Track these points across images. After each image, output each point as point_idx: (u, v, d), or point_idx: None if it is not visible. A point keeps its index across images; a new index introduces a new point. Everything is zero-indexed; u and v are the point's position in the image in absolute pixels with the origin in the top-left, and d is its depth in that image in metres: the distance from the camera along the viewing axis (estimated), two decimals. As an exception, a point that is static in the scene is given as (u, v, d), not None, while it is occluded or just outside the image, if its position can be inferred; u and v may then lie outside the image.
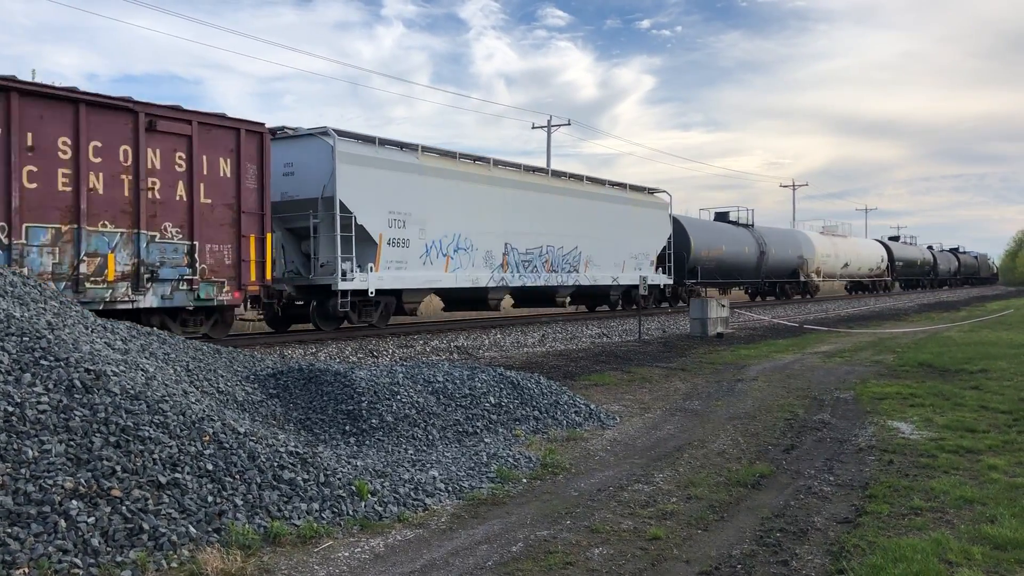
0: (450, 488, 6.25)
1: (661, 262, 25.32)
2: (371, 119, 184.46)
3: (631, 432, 8.65)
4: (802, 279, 37.30)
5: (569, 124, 41.75)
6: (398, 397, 8.12)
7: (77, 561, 4.29)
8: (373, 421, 7.70)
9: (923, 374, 13.19)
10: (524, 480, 6.67)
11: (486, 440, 7.94)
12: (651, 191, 25.43)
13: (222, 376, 8.15)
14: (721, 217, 33.94)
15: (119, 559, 4.43)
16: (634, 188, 24.39)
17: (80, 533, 4.44)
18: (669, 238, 25.45)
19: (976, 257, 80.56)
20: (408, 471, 6.50)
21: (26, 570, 4.13)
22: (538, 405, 9.06)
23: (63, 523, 4.43)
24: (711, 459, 7.41)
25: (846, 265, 42.90)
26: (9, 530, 4.30)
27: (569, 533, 5.34)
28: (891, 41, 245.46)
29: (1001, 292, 68.90)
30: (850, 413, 9.72)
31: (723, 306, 21.71)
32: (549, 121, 41.07)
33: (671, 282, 25.71)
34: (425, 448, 7.53)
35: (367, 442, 7.42)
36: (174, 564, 4.51)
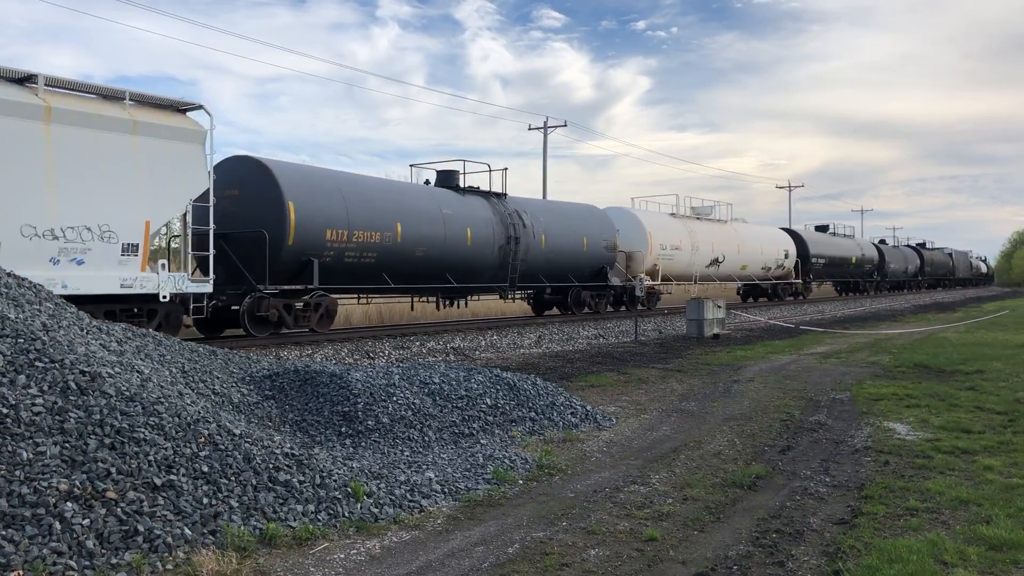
0: (446, 490, 6.25)
1: (200, 248, 13.02)
2: (366, 120, 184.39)
3: (627, 433, 8.65)
4: (617, 282, 24.02)
5: (565, 125, 41.60)
6: (394, 399, 8.11)
7: (72, 563, 4.28)
8: (369, 423, 7.70)
9: (919, 375, 13.21)
10: (520, 481, 6.66)
11: (482, 441, 7.94)
12: (146, 101, 12.41)
13: (218, 378, 8.14)
14: (447, 181, 19.66)
15: (114, 561, 4.42)
16: (75, 89, 11.71)
17: (75, 535, 4.43)
18: (202, 198, 12.69)
19: (951, 255, 67.07)
20: (404, 473, 6.50)
21: (21, 572, 4.12)
22: (534, 406, 9.05)
23: (58, 525, 4.42)
24: (707, 460, 7.42)
25: (717, 261, 29.48)
26: (4, 532, 4.29)
27: (565, 534, 5.33)
28: (886, 42, 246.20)
29: (997, 293, 68.94)
30: (846, 414, 9.73)
31: (719, 307, 21.76)
32: (546, 123, 41.04)
33: (209, 288, 12.88)
34: (421, 450, 7.52)
35: (363, 444, 7.41)
36: (169, 566, 4.50)
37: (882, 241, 53.77)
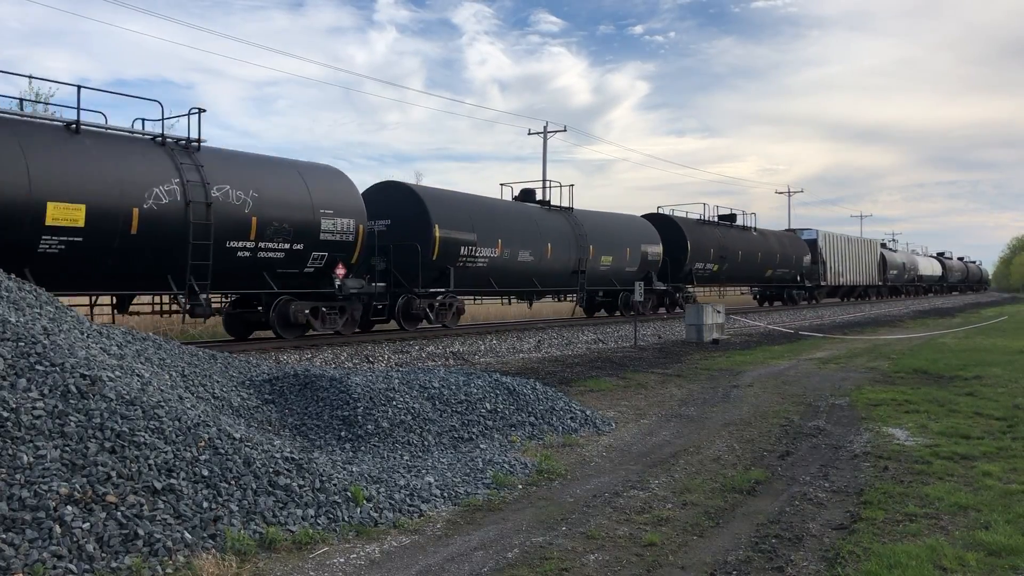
0: (446, 494, 6.25)
1: None
2: (364, 124, 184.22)
3: (627, 438, 8.66)
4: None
5: (565, 130, 41.54)
6: (394, 403, 8.11)
7: (72, 567, 4.28)
8: (369, 427, 7.70)
9: (918, 380, 13.21)
10: (520, 486, 6.66)
11: (482, 446, 7.94)
12: None
13: (218, 381, 8.14)
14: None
15: (114, 565, 4.42)
16: None
17: (75, 539, 4.43)
18: None
19: (811, 241, 36.82)
20: (404, 477, 6.50)
21: (21, 575, 4.12)
22: (534, 411, 9.06)
23: (58, 529, 4.42)
24: (707, 465, 7.42)
25: None
26: (4, 536, 4.29)
27: (565, 539, 5.34)
28: (884, 48, 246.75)
29: (996, 299, 68.73)
30: (845, 419, 9.73)
31: (719, 312, 21.75)
32: (545, 127, 41.05)
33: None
34: (421, 454, 7.52)
35: (363, 448, 7.42)
36: (169, 570, 4.50)
37: (658, 210, 28.12)
